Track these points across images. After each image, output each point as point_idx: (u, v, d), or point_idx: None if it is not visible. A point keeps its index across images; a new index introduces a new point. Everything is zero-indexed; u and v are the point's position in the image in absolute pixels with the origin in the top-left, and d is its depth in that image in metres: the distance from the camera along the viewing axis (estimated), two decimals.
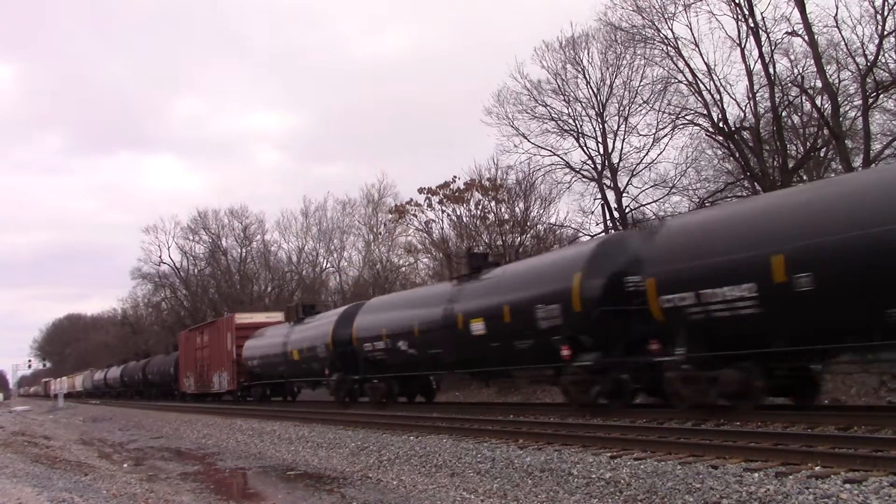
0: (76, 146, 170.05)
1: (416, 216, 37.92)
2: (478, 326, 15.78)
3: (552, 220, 32.48)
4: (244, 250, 61.31)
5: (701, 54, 26.53)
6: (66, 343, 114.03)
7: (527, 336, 14.52)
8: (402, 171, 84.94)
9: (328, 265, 55.75)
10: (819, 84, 22.38)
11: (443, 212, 36.37)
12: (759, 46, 23.63)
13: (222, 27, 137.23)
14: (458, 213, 35.51)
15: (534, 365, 15.11)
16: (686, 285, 11.55)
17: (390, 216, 43.24)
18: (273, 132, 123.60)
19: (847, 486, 6.46)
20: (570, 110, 30.43)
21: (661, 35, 26.17)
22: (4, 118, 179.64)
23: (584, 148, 30.63)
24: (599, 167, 29.79)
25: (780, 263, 10.26)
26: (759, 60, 23.87)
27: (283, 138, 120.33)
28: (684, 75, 26.42)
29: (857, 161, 22.38)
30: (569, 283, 13.46)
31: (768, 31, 23.49)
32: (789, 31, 22.74)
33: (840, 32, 22.42)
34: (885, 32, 21.28)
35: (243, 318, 31.83)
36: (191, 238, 63.52)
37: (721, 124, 25.15)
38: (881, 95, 22.04)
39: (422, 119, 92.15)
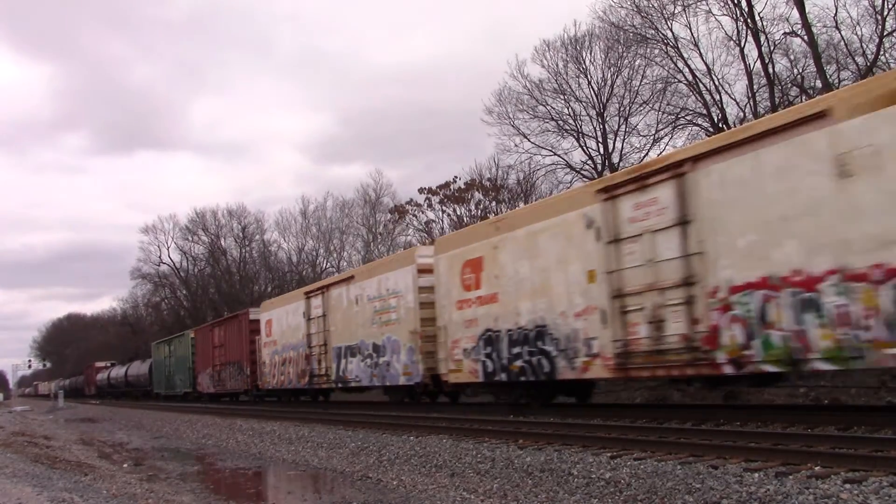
0: (97, 146, 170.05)
1: (416, 216, 37.94)
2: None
3: None
4: (244, 250, 61.31)
5: (700, 54, 26.58)
6: (66, 343, 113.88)
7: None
8: (417, 171, 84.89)
9: (328, 265, 55.77)
10: (819, 84, 22.39)
11: (443, 212, 36.40)
12: (759, 46, 23.66)
13: (247, 31, 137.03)
14: (459, 214, 35.55)
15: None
16: None
17: (389, 216, 43.24)
18: (292, 134, 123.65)
19: (847, 486, 6.45)
20: (570, 110, 30.51)
21: (661, 35, 26.23)
22: (29, 119, 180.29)
23: (585, 148, 30.71)
24: (600, 167, 29.82)
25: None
26: (759, 60, 23.90)
27: (303, 140, 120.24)
28: (684, 75, 26.48)
29: None
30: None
31: (766, 31, 23.53)
32: (788, 31, 22.79)
33: (840, 32, 22.45)
34: (885, 32, 21.31)
35: (99, 364, 69.23)
36: (189, 238, 63.55)
37: (721, 124, 25.15)
38: None
39: (439, 121, 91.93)
